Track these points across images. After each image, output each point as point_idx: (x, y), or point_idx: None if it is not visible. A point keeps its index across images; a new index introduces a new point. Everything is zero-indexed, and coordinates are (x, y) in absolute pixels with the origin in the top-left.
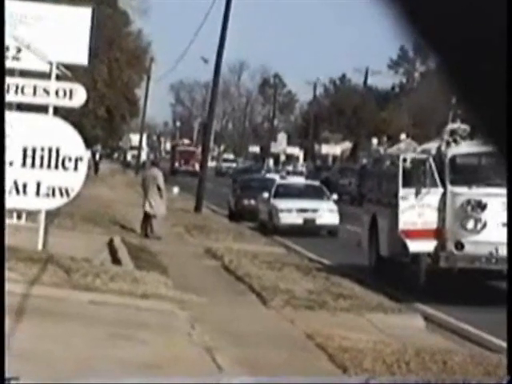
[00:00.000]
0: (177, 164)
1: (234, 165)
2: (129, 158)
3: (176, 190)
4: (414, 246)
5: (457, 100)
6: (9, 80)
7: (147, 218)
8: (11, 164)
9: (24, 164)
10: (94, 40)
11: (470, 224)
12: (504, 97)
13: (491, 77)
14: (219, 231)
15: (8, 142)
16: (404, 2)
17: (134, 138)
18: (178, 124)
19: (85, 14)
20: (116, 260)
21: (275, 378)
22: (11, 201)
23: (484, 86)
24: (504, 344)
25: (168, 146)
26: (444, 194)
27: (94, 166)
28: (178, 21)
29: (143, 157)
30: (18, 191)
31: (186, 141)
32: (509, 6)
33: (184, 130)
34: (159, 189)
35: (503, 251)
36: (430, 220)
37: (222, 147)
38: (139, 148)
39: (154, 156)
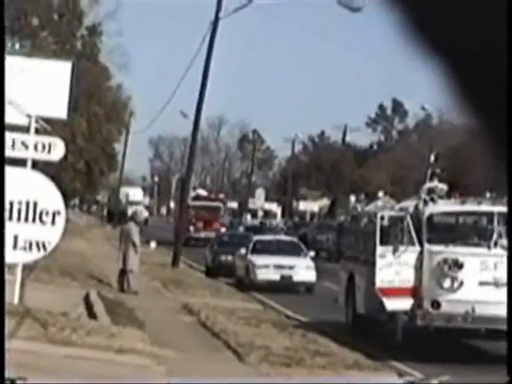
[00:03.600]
0: (192, 228)
1: None
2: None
3: (153, 244)
4: (391, 303)
5: (459, 104)
6: None
7: (123, 272)
8: None
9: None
10: (74, 94)
11: (447, 283)
12: (505, 101)
13: (494, 82)
14: (196, 286)
15: None
16: (410, 11)
17: (133, 192)
18: (156, 179)
19: (65, 68)
20: (92, 314)
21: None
22: None
23: (487, 90)
24: None
25: (147, 200)
26: (421, 252)
27: None
28: (158, 75)
29: (145, 214)
30: None
31: (202, 191)
32: (509, 12)
33: (162, 186)
34: (134, 244)
35: (480, 310)
36: (407, 278)
37: None
38: (116, 200)
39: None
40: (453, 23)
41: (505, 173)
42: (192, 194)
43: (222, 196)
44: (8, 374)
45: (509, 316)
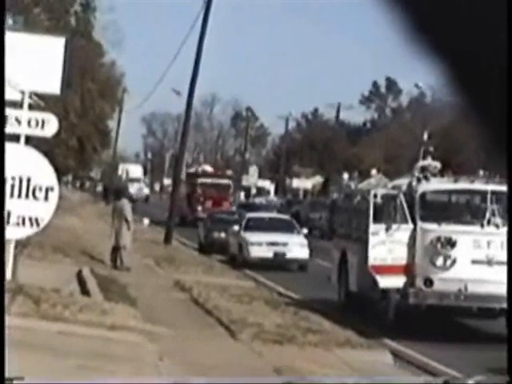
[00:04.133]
0: (200, 208)
1: None
2: (132, 191)
3: (146, 221)
4: (384, 281)
5: (460, 104)
6: None
7: (116, 249)
8: None
9: None
10: (67, 70)
11: (440, 261)
12: (505, 99)
13: (494, 81)
14: (189, 263)
15: None
16: (410, 10)
17: (133, 169)
18: (150, 156)
19: (58, 43)
20: (85, 291)
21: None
22: None
23: (487, 88)
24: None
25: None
26: (414, 230)
27: None
28: (152, 53)
29: (145, 191)
30: None
31: (208, 167)
32: (509, 11)
33: (155, 162)
34: (126, 220)
35: (473, 288)
36: (400, 256)
37: None
38: (113, 177)
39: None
40: (452, 22)
41: (501, 165)
42: (198, 170)
43: (230, 172)
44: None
45: (509, 315)
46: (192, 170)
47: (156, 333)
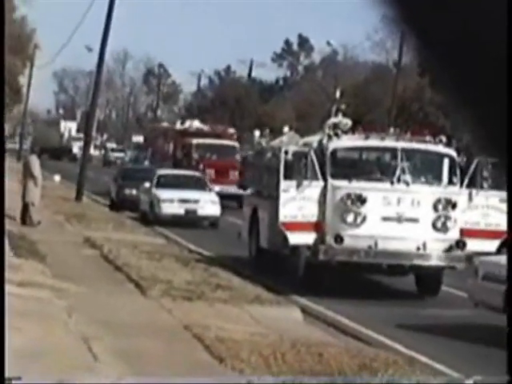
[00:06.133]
0: None
1: (122, 154)
2: (75, 150)
3: (57, 177)
4: (294, 238)
5: (450, 100)
6: None
7: (26, 205)
8: None
9: None
10: None
11: (350, 217)
12: (502, 95)
13: (488, 74)
14: (99, 220)
15: None
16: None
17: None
18: (61, 112)
19: None
20: None
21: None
22: None
23: (479, 82)
24: (381, 337)
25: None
26: (324, 187)
27: None
28: (63, 8)
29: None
30: None
31: (197, 123)
32: (509, 6)
33: (67, 118)
34: (33, 176)
35: (383, 245)
36: (311, 213)
37: (105, 136)
38: (21, 135)
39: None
40: (445, 14)
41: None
42: (186, 126)
43: (232, 131)
44: None
45: (509, 313)
46: (180, 126)
47: (65, 289)
